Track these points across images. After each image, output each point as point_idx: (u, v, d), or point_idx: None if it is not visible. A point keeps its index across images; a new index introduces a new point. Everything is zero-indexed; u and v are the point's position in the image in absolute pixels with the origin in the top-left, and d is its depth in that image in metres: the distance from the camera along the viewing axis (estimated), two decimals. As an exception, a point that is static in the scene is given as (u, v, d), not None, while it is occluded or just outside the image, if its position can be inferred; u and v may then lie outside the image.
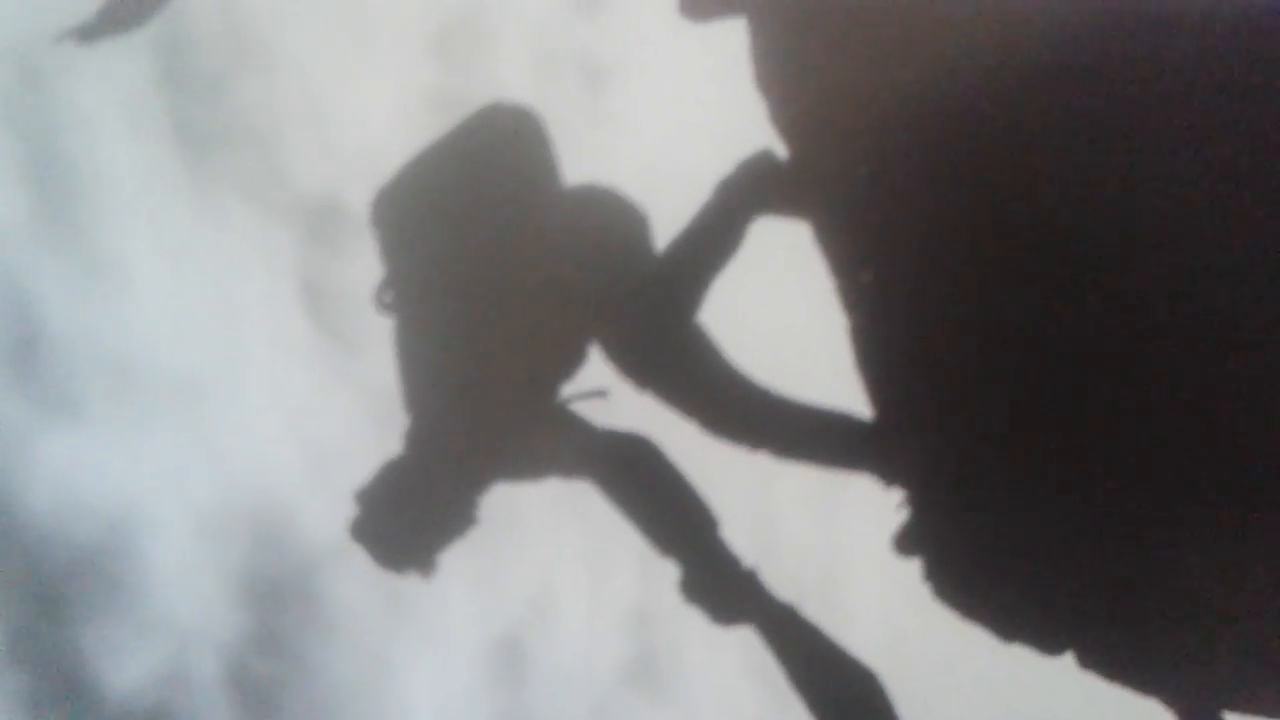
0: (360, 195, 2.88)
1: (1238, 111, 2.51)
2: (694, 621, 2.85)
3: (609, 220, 2.90)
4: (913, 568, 2.75)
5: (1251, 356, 2.48)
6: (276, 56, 2.87)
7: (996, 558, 2.75)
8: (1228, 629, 2.67)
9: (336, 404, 2.75)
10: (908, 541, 2.77)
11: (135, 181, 2.89)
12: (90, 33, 3.11)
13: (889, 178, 2.71)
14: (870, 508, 2.80)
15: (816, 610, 2.84)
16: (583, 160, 2.88)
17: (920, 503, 2.77)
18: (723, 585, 2.84)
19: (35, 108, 2.95)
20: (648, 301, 2.88)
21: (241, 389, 2.78)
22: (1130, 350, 2.58)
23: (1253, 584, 2.62)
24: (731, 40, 2.82)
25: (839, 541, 2.68)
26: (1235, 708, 2.74)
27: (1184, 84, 2.53)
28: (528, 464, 2.90)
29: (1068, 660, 2.70)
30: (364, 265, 2.90)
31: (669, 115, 2.79)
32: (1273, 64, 2.50)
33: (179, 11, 3.01)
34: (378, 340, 2.90)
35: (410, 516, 2.87)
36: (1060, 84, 2.61)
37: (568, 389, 2.89)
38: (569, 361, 2.91)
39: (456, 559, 2.87)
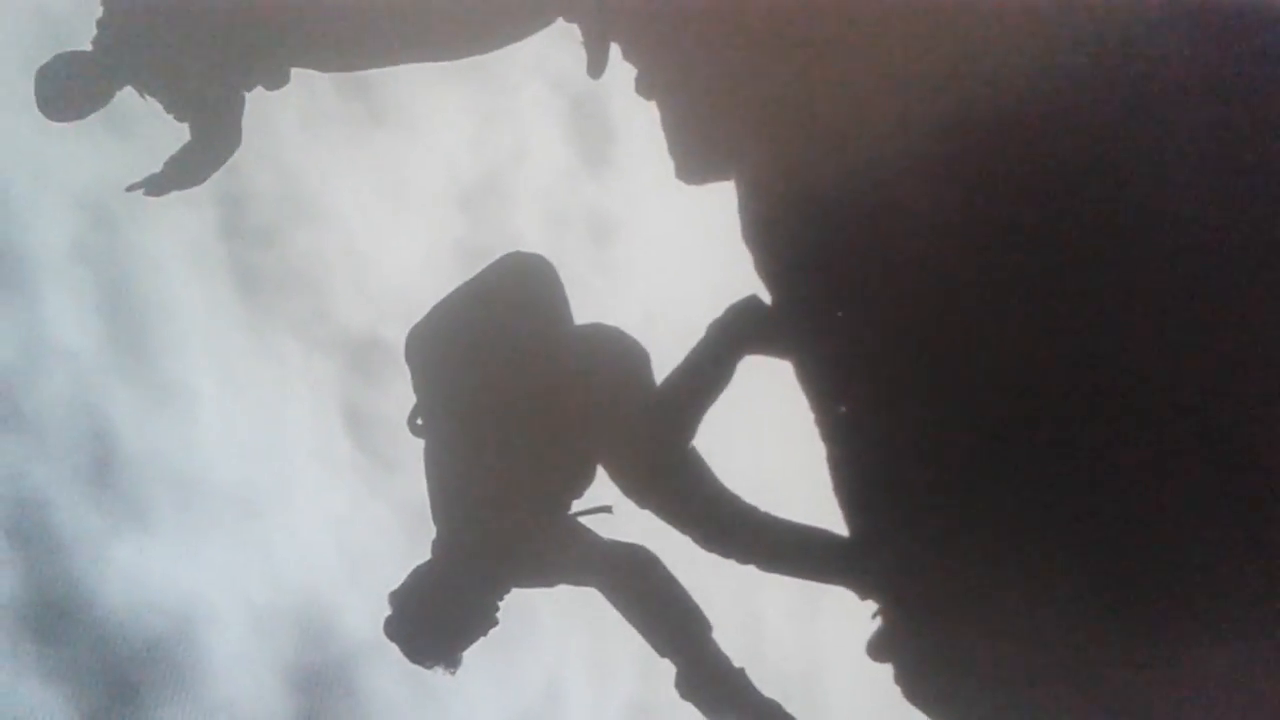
0: (396, 332, 3.11)
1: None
2: (690, 715, 3.04)
3: (613, 356, 3.15)
4: (886, 670, 2.95)
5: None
6: (323, 210, 3.16)
7: (961, 663, 2.93)
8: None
9: (373, 515, 3.03)
10: (881, 647, 2.97)
11: (198, 317, 3.18)
12: (159, 184, 3.39)
13: (860, 324, 2.92)
14: (847, 616, 3.02)
15: (799, 707, 3.03)
16: (590, 303, 3.14)
17: (892, 613, 2.97)
18: (714, 683, 3.03)
19: (110, 250, 3.25)
20: (648, 429, 3.12)
21: (290, 501, 3.07)
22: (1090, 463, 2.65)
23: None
24: (722, 198, 3.08)
25: (819, 645, 2.92)
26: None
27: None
28: (541, 572, 3.13)
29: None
30: (399, 394, 3.18)
31: (666, 263, 3.04)
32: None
33: (237, 169, 3.29)
34: (410, 460, 3.17)
35: (438, 617, 3.08)
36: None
37: (577, 505, 3.14)
38: (578, 480, 3.16)
39: (479, 655, 3.11)
